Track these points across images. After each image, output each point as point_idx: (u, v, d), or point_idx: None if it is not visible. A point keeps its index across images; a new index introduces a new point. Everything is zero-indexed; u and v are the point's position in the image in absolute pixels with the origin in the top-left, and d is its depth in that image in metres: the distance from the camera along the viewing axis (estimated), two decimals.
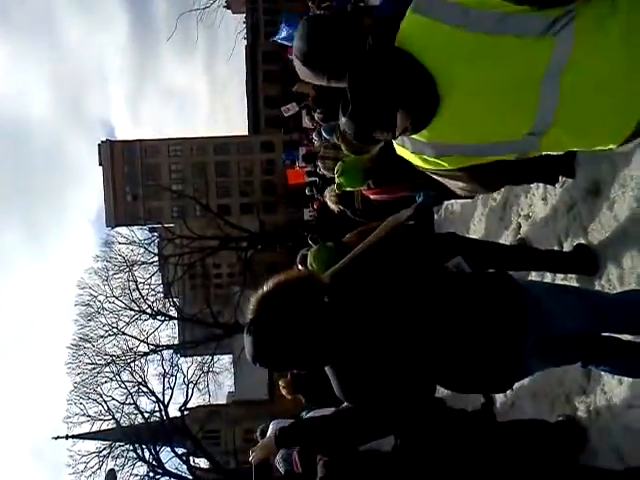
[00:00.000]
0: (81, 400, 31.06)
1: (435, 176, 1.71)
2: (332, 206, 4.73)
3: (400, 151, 1.68)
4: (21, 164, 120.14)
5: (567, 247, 3.92)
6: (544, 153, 1.64)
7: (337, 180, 4.13)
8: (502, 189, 5.36)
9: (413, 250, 2.35)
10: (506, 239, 5.07)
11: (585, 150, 1.64)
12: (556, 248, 4.04)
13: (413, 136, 1.53)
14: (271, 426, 4.28)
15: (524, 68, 1.41)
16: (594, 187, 3.69)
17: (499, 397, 4.47)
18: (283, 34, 10.34)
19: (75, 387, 31.34)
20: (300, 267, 5.28)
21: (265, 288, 1.98)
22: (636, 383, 2.88)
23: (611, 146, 1.53)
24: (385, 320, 2.02)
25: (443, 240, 3.69)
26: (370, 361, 2.00)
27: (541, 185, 4.44)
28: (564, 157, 4.01)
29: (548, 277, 4.01)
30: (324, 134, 7.41)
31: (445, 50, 1.43)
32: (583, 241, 3.72)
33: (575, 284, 3.71)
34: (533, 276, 4.16)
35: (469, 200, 5.49)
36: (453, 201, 6.68)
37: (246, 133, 57.84)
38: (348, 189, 4.20)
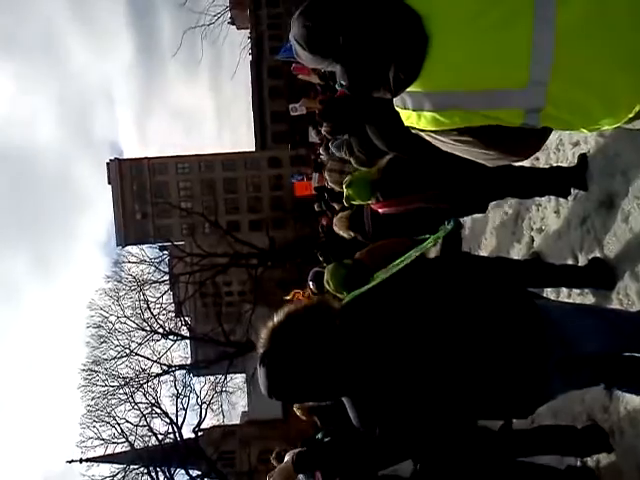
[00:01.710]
0: (94, 423, 31.06)
1: (447, 147, 1.59)
2: (343, 234, 4.69)
3: (404, 115, 1.57)
4: (29, 190, 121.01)
5: (582, 261, 3.85)
6: (558, 132, 1.51)
7: (345, 192, 4.11)
8: (512, 202, 5.31)
9: (431, 272, 2.31)
10: (519, 253, 5.00)
11: (605, 116, 1.44)
12: (570, 262, 3.97)
13: (410, 89, 1.45)
14: (288, 455, 4.21)
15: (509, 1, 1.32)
16: (607, 199, 3.63)
17: None
18: (285, 50, 10.41)
19: (88, 410, 31.35)
20: (311, 285, 5.25)
21: (275, 319, 1.96)
22: None
23: (636, 106, 1.37)
24: (402, 346, 1.97)
25: (460, 261, 3.63)
26: (386, 389, 1.95)
27: (553, 198, 4.38)
28: (576, 169, 3.97)
29: (564, 292, 3.94)
30: (332, 149, 7.41)
31: None
32: (599, 254, 3.65)
33: (592, 299, 3.64)
34: (549, 292, 4.09)
35: (480, 215, 5.42)
36: (465, 218, 6.63)
37: (253, 149, 58.15)
38: (357, 202, 4.18)
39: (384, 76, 1.41)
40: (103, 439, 30.90)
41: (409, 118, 1.55)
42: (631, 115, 1.38)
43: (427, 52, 1.38)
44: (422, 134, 1.58)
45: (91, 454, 31.28)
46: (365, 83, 1.46)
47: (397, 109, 1.58)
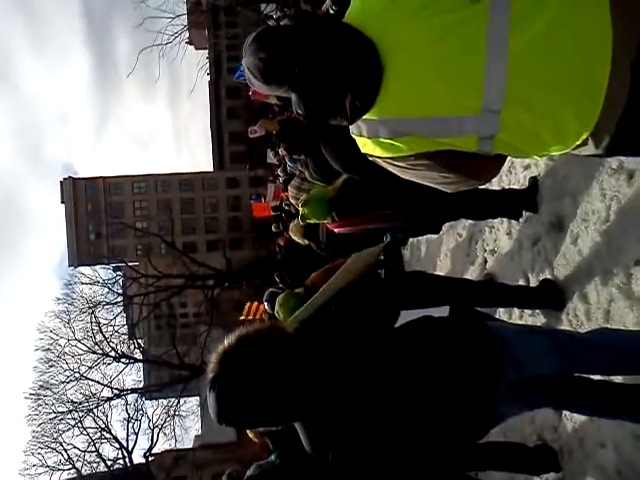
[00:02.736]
0: (40, 450, 29.95)
1: (406, 173, 1.60)
2: (297, 239, 4.69)
3: (360, 143, 1.58)
4: None
5: (533, 281, 3.91)
6: (513, 160, 1.55)
7: (301, 211, 4.10)
8: (466, 223, 5.38)
9: (381, 296, 2.29)
10: (472, 274, 5.07)
11: (555, 144, 1.45)
12: (522, 282, 4.03)
13: (366, 116, 1.45)
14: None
15: (463, 29, 1.34)
16: (557, 221, 3.70)
17: None
18: (242, 73, 10.48)
19: (34, 437, 30.24)
20: (266, 305, 5.20)
21: (226, 343, 1.91)
22: (608, 422, 2.83)
23: (583, 135, 1.39)
24: (352, 369, 1.94)
25: (411, 279, 3.64)
26: (338, 414, 1.92)
27: (505, 220, 4.46)
28: (527, 191, 4.05)
29: (516, 313, 3.99)
30: (289, 163, 7.44)
31: (382, 14, 1.39)
32: (549, 276, 3.71)
33: (543, 319, 3.69)
34: (501, 312, 4.13)
35: (434, 236, 5.48)
36: (419, 238, 6.69)
37: (211, 169, 57.90)
38: (312, 221, 4.17)
39: (340, 104, 1.41)
40: (48, 466, 29.84)
41: (365, 145, 1.56)
42: (578, 142, 1.41)
43: (382, 80, 1.38)
44: (379, 161, 1.58)
45: None
46: (321, 112, 1.46)
47: (353, 136, 1.58)
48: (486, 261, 4.95)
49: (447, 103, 1.39)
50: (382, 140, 1.49)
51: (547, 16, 1.31)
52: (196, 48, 48.19)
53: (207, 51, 49.57)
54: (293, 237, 4.86)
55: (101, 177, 55.73)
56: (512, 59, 1.32)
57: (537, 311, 3.78)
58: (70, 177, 55.39)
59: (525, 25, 1.32)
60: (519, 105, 1.36)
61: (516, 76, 1.33)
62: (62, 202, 53.93)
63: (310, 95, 1.42)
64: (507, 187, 4.39)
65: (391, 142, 1.48)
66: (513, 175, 4.39)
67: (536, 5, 1.32)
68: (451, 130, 1.42)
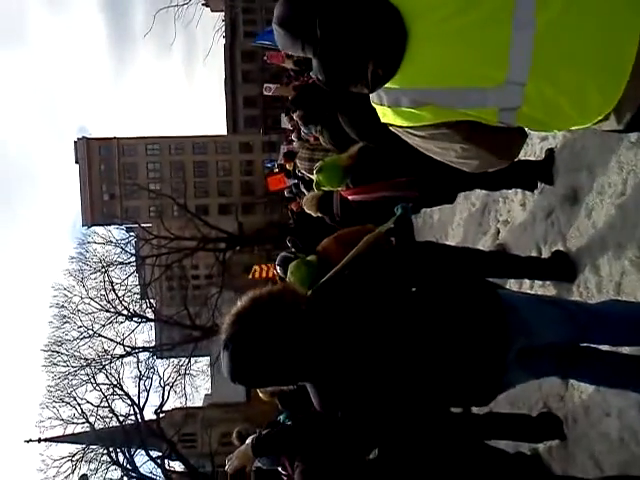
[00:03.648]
0: (54, 403, 30.68)
1: (426, 144, 1.59)
2: (311, 213, 4.71)
3: (380, 112, 1.58)
4: None
5: (545, 253, 3.92)
6: (530, 131, 1.54)
7: (315, 178, 4.11)
8: (480, 194, 5.38)
9: (394, 263, 2.33)
10: (484, 245, 5.08)
11: (578, 119, 1.45)
12: (534, 254, 4.05)
13: (387, 85, 1.44)
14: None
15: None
16: (572, 194, 3.70)
17: None
18: (262, 37, 10.38)
19: (49, 390, 30.94)
20: (278, 269, 5.25)
21: (240, 304, 1.95)
22: (613, 392, 2.88)
23: (605, 110, 1.38)
24: (365, 331, 1.99)
25: (422, 249, 3.67)
26: (350, 375, 1.97)
27: (520, 191, 4.45)
28: (543, 163, 4.03)
29: (527, 284, 4.01)
30: (303, 129, 7.39)
31: None
32: (561, 248, 3.73)
33: (553, 291, 3.72)
34: (512, 283, 4.16)
35: (448, 205, 5.48)
36: (432, 208, 6.68)
37: (225, 133, 57.62)
38: (327, 188, 4.18)
39: (361, 72, 1.40)
40: (62, 419, 30.60)
41: (385, 115, 1.56)
42: (600, 117, 1.40)
43: (405, 49, 1.37)
44: (399, 132, 1.58)
45: (50, 434, 30.98)
46: (342, 79, 1.45)
47: (374, 105, 1.57)
48: (499, 232, 4.95)
49: (471, 74, 1.38)
50: (403, 109, 1.49)
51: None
52: (212, 10, 47.57)
53: (223, 13, 48.91)
54: (307, 210, 4.87)
55: (115, 138, 55.63)
56: (539, 31, 1.31)
57: (548, 282, 3.81)
58: (84, 137, 55.35)
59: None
60: (544, 79, 1.35)
61: (542, 49, 1.32)
62: (76, 162, 54.02)
63: (331, 61, 1.40)
64: (523, 158, 4.38)
65: (412, 111, 1.48)
66: (529, 146, 4.37)
67: None
68: (474, 101, 1.41)
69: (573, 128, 1.52)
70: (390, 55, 1.39)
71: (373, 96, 1.54)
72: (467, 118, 1.46)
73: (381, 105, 1.54)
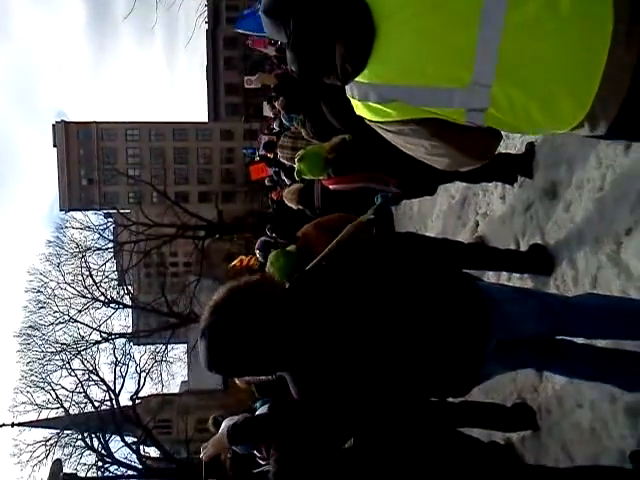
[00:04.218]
0: (28, 388, 30.40)
1: (396, 139, 1.59)
2: (292, 205, 4.70)
3: (353, 105, 1.59)
4: None
5: (524, 246, 3.96)
6: (508, 135, 1.51)
7: (297, 166, 4.10)
8: (460, 186, 5.41)
9: (374, 252, 2.33)
10: (464, 237, 5.11)
11: (548, 124, 1.43)
12: (513, 247, 4.08)
13: (357, 79, 1.46)
14: (225, 422, 4.22)
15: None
16: (551, 188, 3.74)
17: None
18: (243, 22, 10.27)
19: (23, 375, 30.64)
20: (258, 254, 5.23)
21: (218, 295, 1.96)
22: (587, 384, 2.93)
23: (578, 117, 1.35)
24: (343, 322, 1.99)
25: (402, 239, 3.69)
26: (327, 366, 1.98)
27: (500, 184, 4.48)
28: (523, 157, 4.06)
29: (504, 276, 4.05)
30: (284, 121, 7.36)
31: None
32: (540, 241, 3.76)
33: (530, 284, 3.76)
34: (490, 275, 4.20)
35: (428, 197, 5.50)
36: (412, 199, 6.71)
37: (206, 120, 57.17)
38: (308, 177, 4.17)
39: (332, 65, 1.41)
40: (37, 404, 30.33)
41: (357, 108, 1.57)
42: (574, 124, 1.38)
43: (373, 45, 1.38)
44: (373, 126, 1.59)
45: (23, 419, 30.71)
46: (313, 71, 1.47)
47: (348, 97, 1.58)
48: (478, 224, 4.99)
49: (436, 73, 1.38)
50: (371, 104, 1.50)
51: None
52: None
53: None
54: (288, 203, 4.85)
55: (94, 122, 54.91)
56: (506, 33, 1.29)
57: (525, 275, 3.85)
58: (63, 121, 54.55)
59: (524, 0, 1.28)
60: (510, 81, 1.33)
61: (509, 51, 1.31)
62: (54, 146, 53.26)
63: (303, 53, 1.43)
64: (503, 151, 4.41)
65: (379, 107, 1.49)
66: (510, 140, 4.40)
67: None
68: (440, 100, 1.41)
69: (547, 133, 1.51)
70: (358, 50, 1.39)
71: (347, 88, 1.55)
72: (434, 116, 1.46)
73: (353, 98, 1.55)
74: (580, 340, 2.53)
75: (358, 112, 1.59)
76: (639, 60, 1.27)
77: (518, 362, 2.45)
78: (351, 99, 1.57)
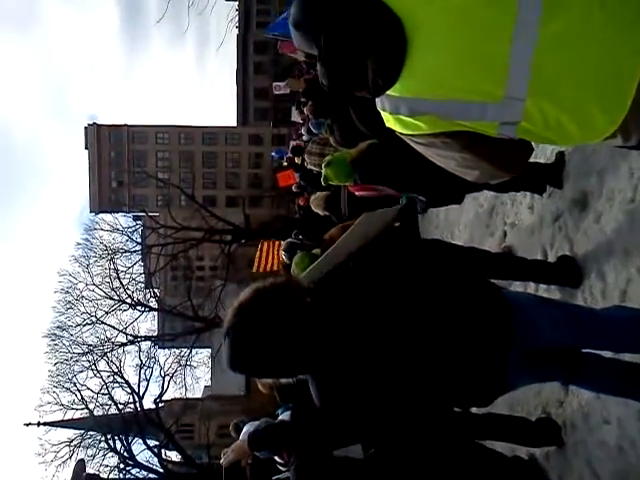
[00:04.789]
0: (54, 388, 30.78)
1: (427, 151, 1.59)
2: (319, 211, 4.71)
3: (384, 117, 1.59)
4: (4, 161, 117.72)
5: (552, 257, 3.90)
6: (537, 145, 1.51)
7: (324, 172, 4.11)
8: (488, 195, 5.35)
9: (399, 255, 2.31)
10: (491, 246, 5.05)
11: (580, 136, 1.43)
12: (541, 258, 4.02)
13: (388, 92, 1.45)
14: (246, 427, 4.22)
15: (490, 11, 1.30)
16: (581, 198, 3.67)
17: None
18: (275, 27, 10.33)
19: (49, 376, 31.06)
20: (284, 255, 5.24)
21: (243, 295, 1.95)
22: (613, 400, 2.86)
23: (610, 129, 1.35)
24: (368, 326, 1.97)
25: (428, 246, 3.66)
26: (351, 371, 1.96)
27: (528, 194, 4.42)
28: (553, 166, 4.00)
29: (531, 287, 3.99)
30: (312, 128, 7.39)
31: None
32: (568, 252, 3.70)
33: (558, 295, 3.70)
34: (516, 285, 4.14)
35: (455, 206, 5.46)
36: (439, 208, 6.66)
37: (235, 124, 57.63)
38: (334, 182, 4.18)
39: (363, 80, 1.41)
40: (62, 404, 30.68)
41: (388, 121, 1.57)
42: (607, 135, 1.38)
43: (405, 59, 1.37)
44: (403, 137, 1.59)
45: (49, 419, 31.12)
46: (344, 85, 1.46)
47: (379, 109, 1.58)
48: (505, 234, 4.93)
49: (468, 88, 1.37)
50: (402, 117, 1.50)
51: (581, 3, 1.27)
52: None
53: (237, 3, 48.80)
54: (314, 209, 4.86)
55: (125, 125, 55.76)
56: (540, 47, 1.28)
57: (552, 287, 3.78)
58: (95, 123, 55.51)
59: (558, 12, 1.27)
60: (544, 96, 1.33)
61: (542, 65, 1.30)
62: (86, 148, 54.19)
63: (334, 67, 1.42)
64: (533, 161, 4.35)
65: (410, 120, 1.49)
66: (540, 149, 4.34)
67: None
68: (472, 114, 1.40)
69: (580, 144, 1.50)
70: (390, 65, 1.39)
71: (377, 101, 1.55)
72: (465, 129, 1.45)
73: (383, 111, 1.55)
74: (608, 354, 2.47)
75: (389, 125, 1.58)
76: None
77: (544, 374, 2.40)
78: (382, 112, 1.57)
